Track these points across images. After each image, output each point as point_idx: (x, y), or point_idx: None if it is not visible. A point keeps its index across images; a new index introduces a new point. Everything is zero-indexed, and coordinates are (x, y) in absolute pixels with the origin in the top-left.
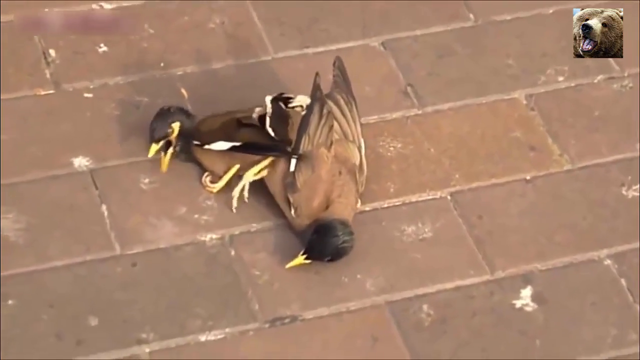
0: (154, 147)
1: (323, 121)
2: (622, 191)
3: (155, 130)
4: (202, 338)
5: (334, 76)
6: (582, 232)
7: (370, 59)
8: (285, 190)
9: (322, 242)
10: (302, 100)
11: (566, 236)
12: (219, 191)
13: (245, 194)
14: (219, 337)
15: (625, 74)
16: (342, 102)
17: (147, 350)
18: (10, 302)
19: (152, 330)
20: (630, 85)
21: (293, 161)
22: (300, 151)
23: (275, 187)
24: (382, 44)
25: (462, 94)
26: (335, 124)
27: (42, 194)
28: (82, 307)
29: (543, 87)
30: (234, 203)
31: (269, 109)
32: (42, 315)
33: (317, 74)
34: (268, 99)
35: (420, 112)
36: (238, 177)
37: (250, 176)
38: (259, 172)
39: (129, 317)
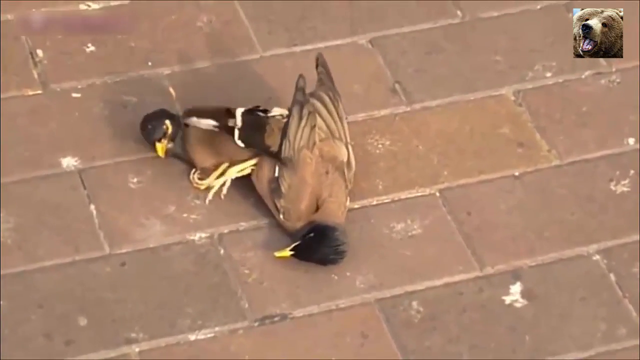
0: (160, 146)
1: (303, 123)
2: (610, 186)
3: (153, 130)
4: (192, 337)
5: (318, 73)
6: (571, 228)
7: (358, 57)
8: (272, 196)
9: (313, 248)
10: (278, 111)
11: (555, 232)
12: (206, 188)
13: (224, 190)
14: (208, 335)
15: (613, 70)
16: (327, 99)
17: (137, 349)
18: None
19: (141, 329)
20: (618, 80)
21: (276, 167)
22: (282, 156)
23: (262, 190)
24: (370, 41)
25: (450, 91)
26: (321, 122)
27: (30, 194)
28: (71, 307)
29: (531, 83)
30: (209, 196)
31: (238, 122)
32: (31, 316)
33: (300, 76)
34: (239, 111)
35: (408, 109)
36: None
37: (233, 173)
38: (242, 170)
39: (118, 317)
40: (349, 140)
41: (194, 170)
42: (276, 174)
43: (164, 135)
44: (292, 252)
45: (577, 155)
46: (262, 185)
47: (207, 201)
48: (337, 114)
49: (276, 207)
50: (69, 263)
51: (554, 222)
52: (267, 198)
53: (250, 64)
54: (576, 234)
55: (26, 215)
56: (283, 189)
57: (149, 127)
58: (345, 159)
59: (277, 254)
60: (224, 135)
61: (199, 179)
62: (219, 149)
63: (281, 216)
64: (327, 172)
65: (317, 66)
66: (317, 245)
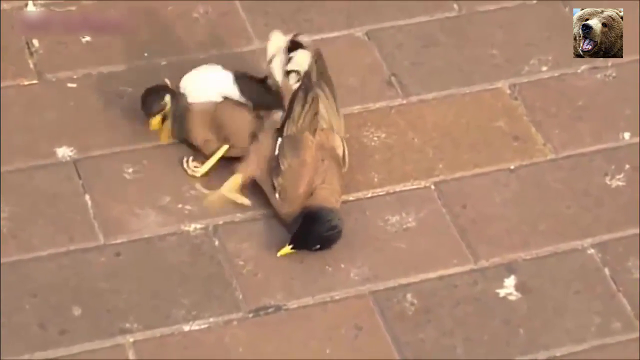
0: (155, 120)
1: (307, 108)
2: (605, 180)
3: (150, 103)
4: (186, 328)
5: (317, 67)
6: (565, 222)
7: (354, 49)
8: (270, 175)
9: (308, 231)
10: (301, 60)
11: (550, 225)
12: (202, 176)
13: (202, 170)
14: (203, 326)
15: (609, 64)
16: (328, 92)
17: (131, 339)
18: None
19: (136, 320)
20: (614, 75)
21: (277, 146)
22: (284, 134)
23: (259, 166)
24: (366, 33)
25: (446, 84)
26: (323, 111)
27: (25, 184)
28: (65, 297)
29: (527, 76)
30: (202, 171)
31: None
32: (25, 305)
33: (316, 58)
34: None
35: (404, 101)
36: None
37: (221, 152)
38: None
39: (112, 307)
40: (343, 136)
41: (187, 158)
42: (276, 152)
43: (161, 110)
44: (292, 247)
45: (573, 149)
46: (258, 163)
47: (199, 174)
48: (336, 108)
49: (273, 186)
50: (64, 253)
51: (549, 216)
52: (263, 177)
53: (247, 56)
54: (571, 228)
55: (21, 205)
56: (283, 167)
57: (147, 99)
58: (341, 154)
59: (280, 253)
60: (228, 113)
61: (195, 166)
62: (222, 129)
63: (277, 195)
64: (322, 160)
65: (315, 61)
66: (309, 227)
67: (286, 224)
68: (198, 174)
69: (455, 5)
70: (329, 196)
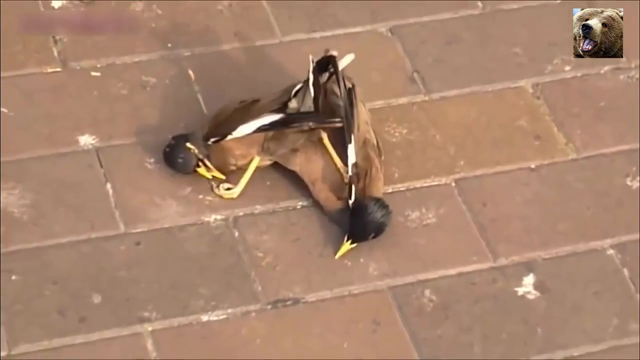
0: (201, 170)
1: (359, 102)
2: (626, 181)
3: (184, 162)
4: (205, 318)
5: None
6: (585, 222)
7: (377, 45)
8: (349, 181)
9: (363, 222)
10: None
11: (570, 225)
12: (225, 174)
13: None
14: (221, 317)
15: (632, 65)
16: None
17: (150, 328)
18: (14, 277)
19: (154, 309)
20: (637, 76)
21: (351, 152)
22: (352, 142)
23: (315, 177)
24: (390, 29)
25: (469, 81)
26: (362, 108)
27: (47, 171)
28: (85, 285)
29: (549, 76)
30: (237, 192)
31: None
32: (45, 292)
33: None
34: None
35: (426, 98)
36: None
37: (254, 166)
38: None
39: (132, 296)
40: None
41: (215, 184)
42: (352, 160)
43: (197, 158)
44: (351, 241)
45: (594, 149)
46: (314, 171)
47: (237, 195)
48: (362, 102)
49: (350, 192)
50: (84, 241)
51: (569, 216)
52: (324, 189)
53: (270, 49)
54: (591, 228)
55: (43, 192)
56: (361, 173)
57: (179, 161)
58: (376, 143)
59: (339, 254)
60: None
61: (227, 189)
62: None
63: (351, 201)
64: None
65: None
66: (362, 218)
67: (333, 217)
68: (236, 195)
69: (479, 3)
70: (380, 189)
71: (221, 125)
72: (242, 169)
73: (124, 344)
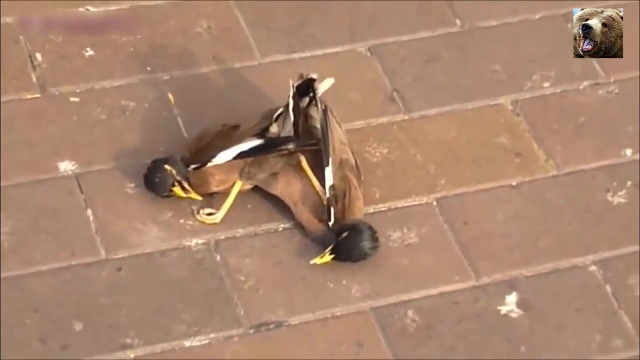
0: (177, 190)
1: (333, 122)
2: (607, 197)
3: (161, 182)
4: (187, 343)
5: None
6: (567, 238)
7: (356, 64)
8: (328, 203)
9: (354, 246)
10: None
11: (551, 242)
12: (203, 195)
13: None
14: (204, 342)
15: (611, 80)
16: (329, 108)
17: (132, 355)
18: None
19: (136, 335)
20: (616, 91)
21: (328, 174)
22: (330, 164)
23: (299, 203)
24: (369, 49)
25: (449, 100)
26: (338, 129)
27: (27, 198)
28: (66, 312)
29: (529, 92)
30: (219, 217)
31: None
32: (26, 320)
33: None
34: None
35: (406, 117)
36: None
37: (235, 190)
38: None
39: (113, 322)
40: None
41: (195, 209)
42: (329, 182)
43: (173, 178)
44: (333, 257)
45: (574, 165)
46: (294, 193)
47: (219, 219)
48: (338, 123)
49: (329, 214)
50: (65, 267)
51: (551, 233)
52: (305, 210)
53: (249, 71)
54: (572, 245)
55: (23, 219)
56: (339, 194)
57: (155, 181)
58: (354, 163)
59: (318, 261)
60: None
61: (208, 214)
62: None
63: (331, 222)
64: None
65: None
66: (354, 242)
67: (316, 239)
68: (218, 220)
69: (457, 21)
70: (360, 210)
71: (201, 152)
72: (223, 194)
73: None
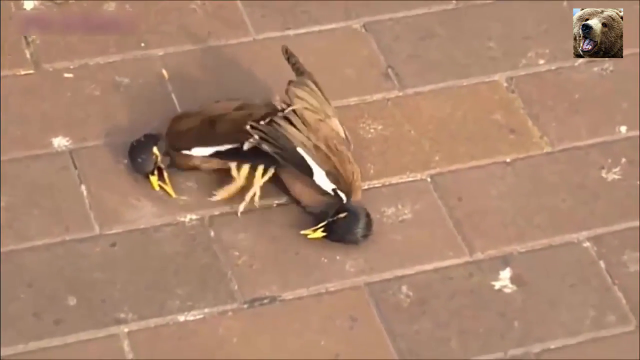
0: (154, 179)
1: (295, 121)
2: (601, 174)
3: (143, 163)
4: (181, 318)
5: (293, 64)
6: (561, 215)
7: (351, 41)
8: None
9: (349, 229)
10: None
11: (545, 218)
12: (187, 170)
13: (257, 199)
14: (197, 317)
15: (606, 58)
16: (311, 85)
17: (126, 330)
18: None
19: (130, 310)
20: (611, 68)
21: (320, 179)
22: (315, 171)
23: (311, 197)
24: (364, 25)
25: (443, 76)
26: (316, 104)
27: (21, 174)
28: (60, 287)
29: (524, 69)
30: (241, 208)
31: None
32: (20, 295)
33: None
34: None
35: (401, 94)
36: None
37: (259, 180)
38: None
39: (107, 297)
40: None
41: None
42: (328, 186)
43: (155, 165)
44: (325, 235)
45: (569, 142)
46: (297, 184)
47: (239, 213)
48: (323, 95)
49: (340, 197)
50: (59, 243)
51: (545, 209)
52: (302, 183)
53: (243, 47)
54: (566, 221)
55: (17, 195)
56: (335, 173)
57: (138, 160)
58: (343, 134)
59: (310, 236)
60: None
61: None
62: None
63: (344, 200)
64: (337, 147)
65: (288, 58)
66: (349, 226)
67: (313, 214)
68: (257, 205)
69: None
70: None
71: (183, 135)
72: (204, 170)
73: (100, 345)
